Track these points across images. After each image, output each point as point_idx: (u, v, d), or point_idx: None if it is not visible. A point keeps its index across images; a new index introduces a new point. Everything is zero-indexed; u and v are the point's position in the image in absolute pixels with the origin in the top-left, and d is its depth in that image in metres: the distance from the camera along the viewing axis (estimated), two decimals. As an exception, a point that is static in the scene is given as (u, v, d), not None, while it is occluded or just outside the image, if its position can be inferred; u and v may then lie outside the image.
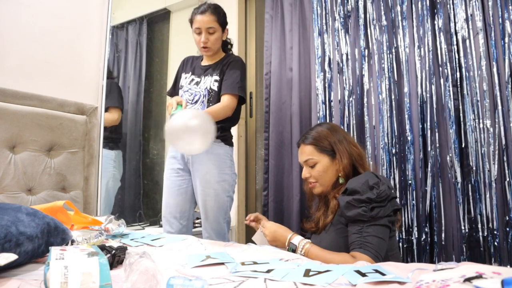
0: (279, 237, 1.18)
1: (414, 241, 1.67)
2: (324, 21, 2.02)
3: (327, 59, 2.00)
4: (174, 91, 1.84)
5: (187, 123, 1.35)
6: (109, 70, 2.25)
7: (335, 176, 1.25)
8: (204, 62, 1.81)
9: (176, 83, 1.86)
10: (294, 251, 1.13)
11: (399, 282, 0.72)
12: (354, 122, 1.89)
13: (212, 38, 1.70)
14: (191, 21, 1.73)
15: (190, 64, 1.84)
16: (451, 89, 1.66)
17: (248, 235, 2.41)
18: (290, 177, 2.06)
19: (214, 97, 1.69)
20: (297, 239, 1.14)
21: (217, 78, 1.71)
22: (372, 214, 1.05)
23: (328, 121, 1.95)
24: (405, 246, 1.69)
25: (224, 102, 1.64)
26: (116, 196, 2.29)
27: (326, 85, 1.98)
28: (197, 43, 1.74)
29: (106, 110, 2.08)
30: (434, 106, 1.69)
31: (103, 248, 0.87)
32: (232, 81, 1.67)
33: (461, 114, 1.64)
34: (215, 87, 1.70)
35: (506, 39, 1.53)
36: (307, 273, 0.81)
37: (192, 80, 1.77)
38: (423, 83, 1.73)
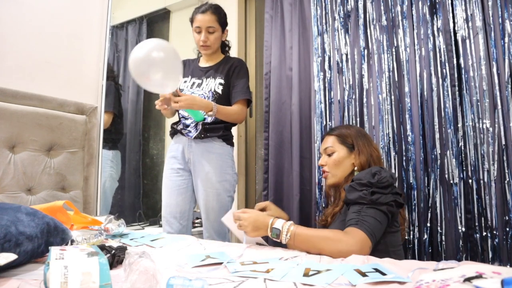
0: (260, 225, 1.11)
1: (416, 240, 1.67)
2: (324, 21, 2.02)
3: (327, 59, 1.99)
4: None
5: (150, 54, 1.30)
6: (111, 69, 2.24)
7: (349, 170, 1.29)
8: (203, 63, 1.81)
9: None
10: (278, 236, 1.08)
11: (399, 282, 0.72)
12: (354, 122, 1.89)
13: (212, 38, 1.72)
14: (192, 20, 1.75)
15: (187, 67, 1.84)
16: (450, 89, 1.66)
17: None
18: (290, 177, 2.06)
19: (218, 100, 1.69)
20: (280, 223, 1.09)
21: (222, 81, 1.72)
22: (372, 198, 1.07)
23: (328, 120, 1.95)
24: (407, 246, 1.69)
25: (239, 109, 1.70)
26: (116, 196, 2.29)
27: (326, 85, 1.98)
28: (196, 42, 1.76)
29: None
30: (434, 106, 1.69)
31: (103, 248, 0.87)
32: (241, 87, 1.72)
33: (460, 114, 1.64)
34: (219, 90, 1.71)
35: (506, 39, 1.53)
36: (306, 272, 0.81)
37: (193, 83, 1.77)
38: (423, 83, 1.73)
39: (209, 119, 1.69)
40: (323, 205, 1.85)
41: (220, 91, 1.70)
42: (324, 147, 1.35)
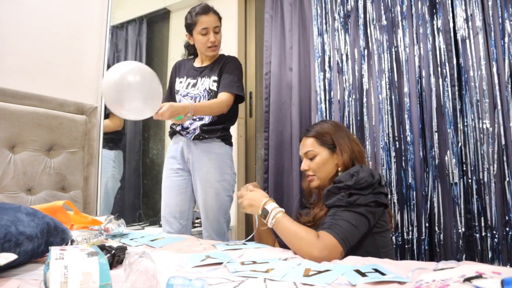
0: (254, 203, 1.16)
1: (414, 241, 1.67)
2: (324, 21, 2.02)
3: (327, 59, 1.99)
4: (170, 98, 1.82)
5: (124, 78, 1.17)
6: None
7: (333, 170, 1.26)
8: (198, 64, 1.81)
9: (171, 89, 1.84)
10: (265, 216, 1.11)
11: (399, 282, 0.72)
12: (354, 122, 1.89)
13: (219, 37, 1.73)
14: (193, 24, 1.69)
15: (183, 68, 1.83)
16: (450, 89, 1.66)
17: (248, 234, 2.41)
18: (290, 177, 2.06)
19: (214, 98, 1.69)
20: (271, 206, 1.12)
21: (216, 78, 1.71)
22: (349, 200, 1.05)
23: (328, 121, 1.95)
24: (406, 246, 1.69)
25: (221, 98, 1.64)
26: (116, 196, 2.29)
27: (326, 85, 1.98)
28: (202, 44, 1.71)
29: (107, 116, 2.06)
30: (434, 106, 1.69)
31: (103, 248, 0.87)
32: (229, 80, 1.68)
33: (460, 114, 1.65)
34: (214, 87, 1.70)
35: (506, 39, 1.53)
36: (306, 272, 0.81)
37: (189, 83, 1.76)
38: (423, 83, 1.73)
39: (206, 119, 1.69)
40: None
41: (215, 88, 1.70)
42: (304, 151, 1.30)
